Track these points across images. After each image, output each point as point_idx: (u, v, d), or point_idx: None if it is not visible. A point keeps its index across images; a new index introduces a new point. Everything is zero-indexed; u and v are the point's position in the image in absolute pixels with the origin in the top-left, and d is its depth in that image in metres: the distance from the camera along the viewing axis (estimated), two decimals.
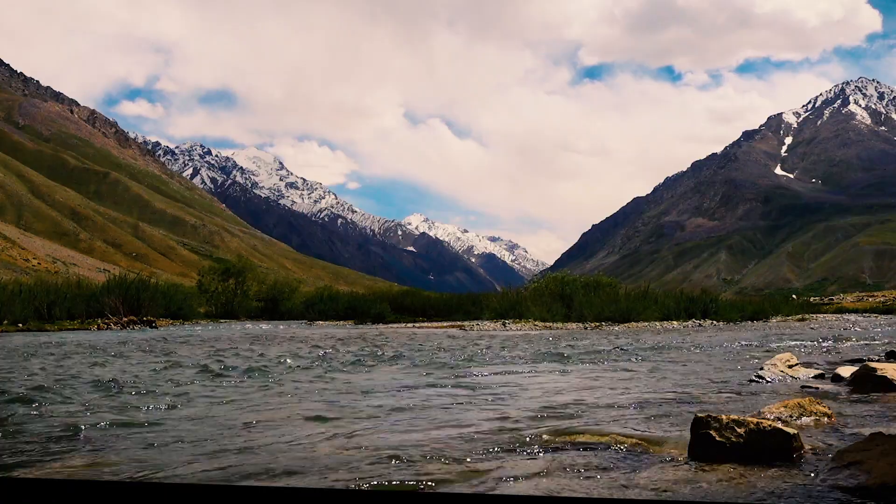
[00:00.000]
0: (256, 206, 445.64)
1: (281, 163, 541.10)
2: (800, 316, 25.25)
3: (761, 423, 2.57)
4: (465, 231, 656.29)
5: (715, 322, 19.85)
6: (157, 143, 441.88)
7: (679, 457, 2.60)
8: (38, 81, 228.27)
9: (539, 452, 2.73)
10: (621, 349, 9.06)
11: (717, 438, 2.55)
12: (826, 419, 3.23)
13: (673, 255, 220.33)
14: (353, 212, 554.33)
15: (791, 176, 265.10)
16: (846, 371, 5.06)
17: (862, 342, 10.10)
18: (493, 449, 2.79)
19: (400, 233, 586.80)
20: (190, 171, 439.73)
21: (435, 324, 21.30)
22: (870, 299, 47.60)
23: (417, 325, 20.95)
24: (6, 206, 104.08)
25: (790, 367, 5.54)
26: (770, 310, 25.32)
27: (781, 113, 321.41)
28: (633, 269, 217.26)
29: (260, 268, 51.26)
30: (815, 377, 5.28)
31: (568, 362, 7.14)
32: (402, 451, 2.76)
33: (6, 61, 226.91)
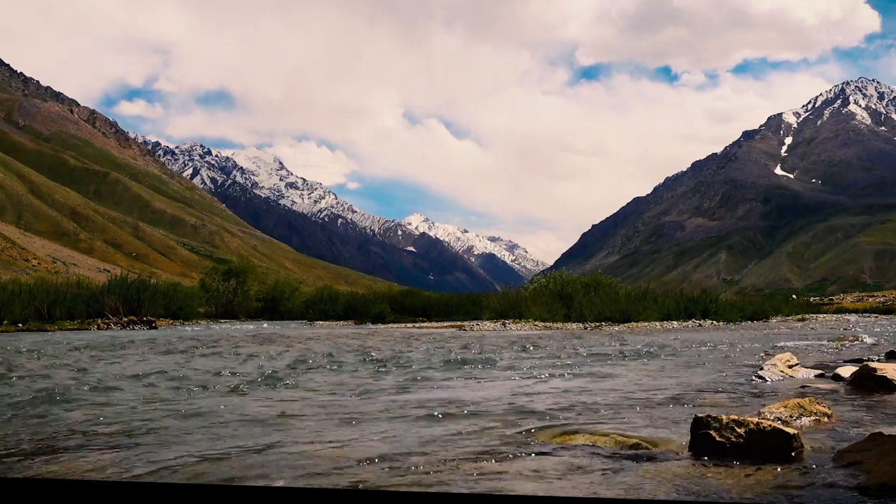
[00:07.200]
0: (256, 206, 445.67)
1: (281, 163, 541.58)
2: (800, 316, 25.22)
3: (761, 423, 2.57)
4: (465, 231, 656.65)
5: (715, 322, 19.84)
6: (157, 143, 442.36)
7: (679, 457, 2.60)
8: (38, 81, 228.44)
9: (539, 452, 2.73)
10: (621, 349, 9.06)
11: (718, 439, 2.55)
12: (826, 419, 3.23)
13: (673, 255, 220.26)
14: (353, 212, 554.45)
15: (791, 176, 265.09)
16: (846, 371, 5.06)
17: (862, 342, 10.10)
18: (493, 448, 2.79)
19: (400, 233, 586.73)
20: (190, 171, 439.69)
21: (435, 324, 21.28)
22: (870, 299, 47.57)
23: (417, 325, 20.95)
24: (6, 206, 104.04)
25: (790, 367, 5.54)
26: (770, 310, 25.28)
27: (781, 113, 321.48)
28: (633, 269, 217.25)
29: (260, 268, 51.27)
30: (815, 377, 5.28)
31: (567, 363, 7.14)
32: (404, 449, 2.76)
33: (6, 61, 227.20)
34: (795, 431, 2.56)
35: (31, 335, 13.89)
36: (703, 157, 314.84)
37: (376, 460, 2.62)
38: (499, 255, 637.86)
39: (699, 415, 2.66)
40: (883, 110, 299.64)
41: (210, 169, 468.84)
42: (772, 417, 3.08)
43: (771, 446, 2.50)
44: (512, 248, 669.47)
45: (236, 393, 4.80)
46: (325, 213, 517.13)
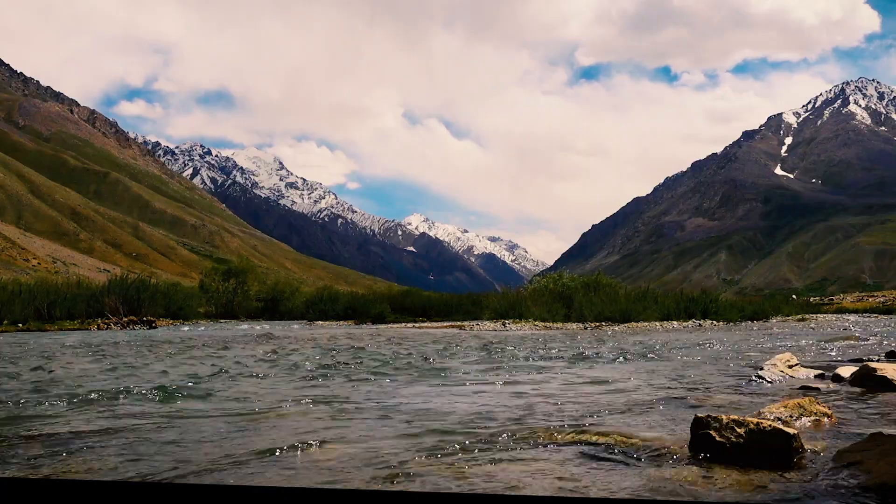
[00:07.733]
0: (256, 206, 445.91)
1: (281, 163, 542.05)
2: (800, 316, 25.23)
3: (761, 423, 2.57)
4: (465, 231, 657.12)
5: (715, 322, 19.84)
6: (157, 143, 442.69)
7: (679, 457, 2.60)
8: (38, 81, 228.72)
9: (539, 452, 2.73)
10: (621, 349, 9.06)
11: (717, 439, 2.55)
12: (826, 419, 3.23)
13: (673, 255, 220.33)
14: (353, 212, 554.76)
15: (791, 176, 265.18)
16: (846, 371, 5.06)
17: (862, 342, 10.09)
18: (492, 448, 2.79)
19: (400, 233, 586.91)
20: (190, 171, 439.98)
21: (435, 324, 21.28)
22: (870, 299, 47.58)
23: (417, 325, 20.95)
24: (6, 206, 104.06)
25: (790, 367, 5.54)
26: (770, 310, 25.28)
27: (781, 113, 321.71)
28: (633, 269, 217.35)
29: (260, 268, 51.24)
30: (815, 377, 5.28)
31: (568, 363, 7.14)
32: (406, 449, 2.76)
33: (6, 61, 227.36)
34: (795, 431, 2.56)
35: (31, 335, 13.89)
36: (703, 157, 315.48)
37: (380, 458, 2.62)
38: (499, 255, 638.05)
39: (699, 415, 2.66)
40: (883, 110, 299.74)
41: (210, 169, 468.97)
42: (772, 417, 3.08)
43: (771, 446, 2.50)
44: (512, 248, 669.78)
45: (196, 396, 4.80)
46: (325, 213, 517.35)
